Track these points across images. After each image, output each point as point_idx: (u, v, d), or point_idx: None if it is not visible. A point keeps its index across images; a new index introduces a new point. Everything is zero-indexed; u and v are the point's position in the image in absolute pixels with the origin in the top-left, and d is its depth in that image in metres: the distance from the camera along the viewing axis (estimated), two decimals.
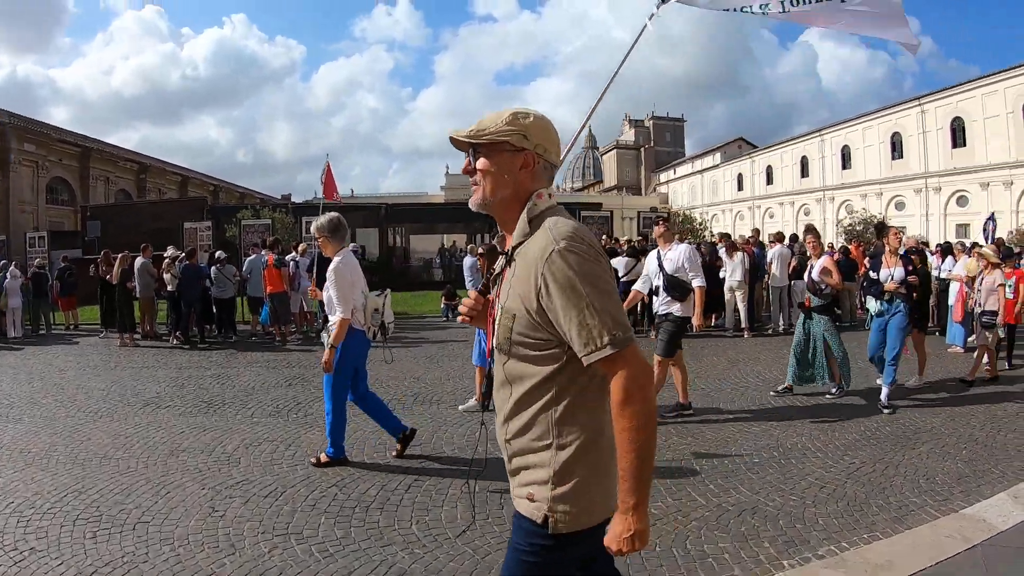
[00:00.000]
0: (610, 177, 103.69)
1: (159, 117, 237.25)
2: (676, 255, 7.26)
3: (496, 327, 1.89)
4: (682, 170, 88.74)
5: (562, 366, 1.79)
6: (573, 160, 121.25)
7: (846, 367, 8.22)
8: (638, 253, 14.00)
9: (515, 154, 1.89)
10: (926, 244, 17.30)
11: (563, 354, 1.77)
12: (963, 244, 13.45)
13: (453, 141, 1.99)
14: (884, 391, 7.66)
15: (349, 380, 5.83)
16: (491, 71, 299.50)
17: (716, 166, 77.94)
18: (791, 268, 12.44)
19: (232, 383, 9.68)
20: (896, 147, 48.62)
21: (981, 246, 11.62)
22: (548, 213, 1.87)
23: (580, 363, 1.72)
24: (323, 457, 5.81)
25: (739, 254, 14.29)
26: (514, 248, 1.88)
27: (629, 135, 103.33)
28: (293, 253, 15.47)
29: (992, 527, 4.12)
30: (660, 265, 7.35)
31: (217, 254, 15.55)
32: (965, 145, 42.14)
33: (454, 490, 5.11)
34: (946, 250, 13.61)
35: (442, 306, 18.49)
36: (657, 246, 7.79)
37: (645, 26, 5.67)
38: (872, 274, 8.22)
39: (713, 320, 14.83)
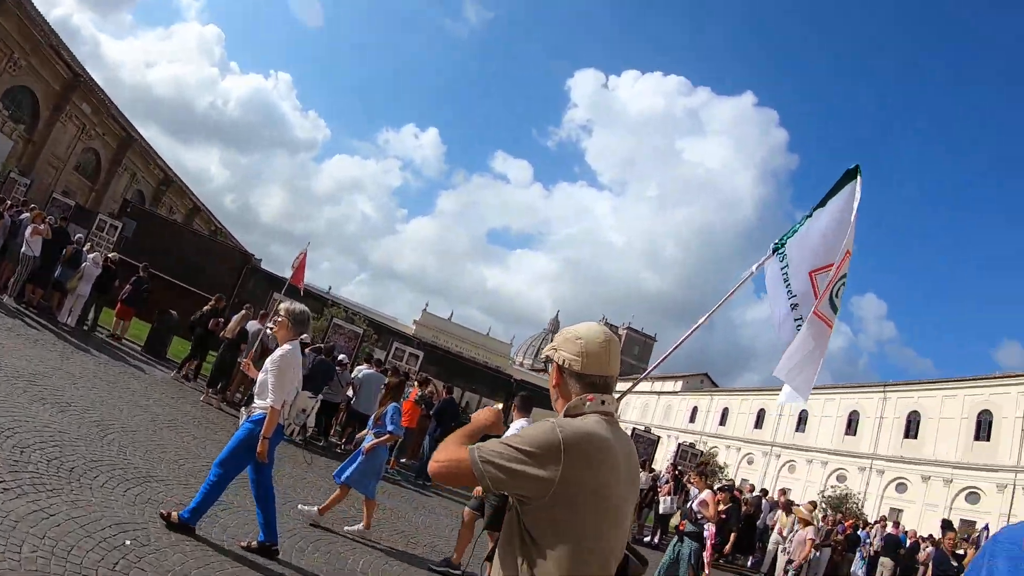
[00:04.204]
0: None
1: (172, 127, 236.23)
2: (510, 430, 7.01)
3: None
4: (641, 386, 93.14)
5: None
6: (534, 339, 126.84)
7: None
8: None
9: (555, 366, 2.32)
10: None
11: None
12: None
13: None
14: None
15: (246, 462, 5.99)
16: (487, 225, 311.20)
17: (675, 392, 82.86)
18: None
19: None
20: (852, 424, 53.82)
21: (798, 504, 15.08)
22: (581, 412, 2.19)
23: None
24: (174, 516, 5.79)
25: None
26: None
27: None
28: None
29: None
30: None
31: (341, 358, 15.86)
32: (916, 438, 47.32)
33: None
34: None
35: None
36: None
37: (746, 278, 5.77)
38: None
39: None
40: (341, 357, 16.08)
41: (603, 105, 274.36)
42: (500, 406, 9.53)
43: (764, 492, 21.83)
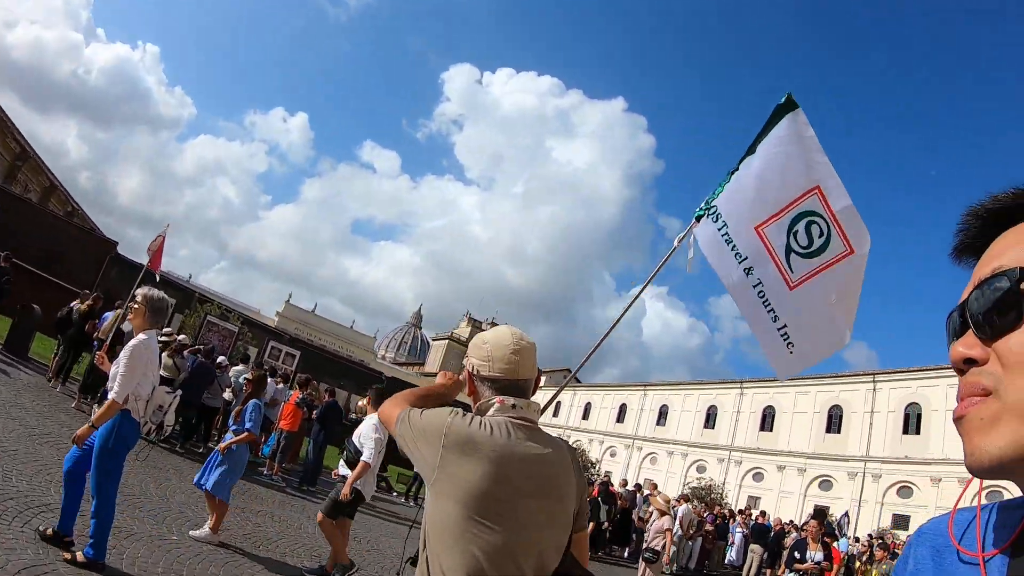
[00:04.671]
0: (433, 363, 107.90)
1: (30, 98, 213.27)
2: (365, 426, 7.92)
3: None
4: None
5: None
6: (397, 332, 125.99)
7: None
8: None
9: (467, 374, 2.32)
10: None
11: None
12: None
13: None
14: None
15: (119, 465, 5.49)
16: (351, 216, 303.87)
17: (540, 387, 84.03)
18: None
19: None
20: (710, 418, 56.69)
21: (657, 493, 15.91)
22: (485, 411, 2.19)
23: None
24: (80, 556, 5.22)
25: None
26: None
27: (465, 331, 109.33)
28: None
29: None
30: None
31: (220, 359, 15.49)
32: (772, 430, 50.48)
33: None
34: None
35: None
36: None
37: (669, 254, 4.98)
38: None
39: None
40: (220, 359, 15.53)
41: (476, 101, 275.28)
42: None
43: (638, 487, 22.60)
